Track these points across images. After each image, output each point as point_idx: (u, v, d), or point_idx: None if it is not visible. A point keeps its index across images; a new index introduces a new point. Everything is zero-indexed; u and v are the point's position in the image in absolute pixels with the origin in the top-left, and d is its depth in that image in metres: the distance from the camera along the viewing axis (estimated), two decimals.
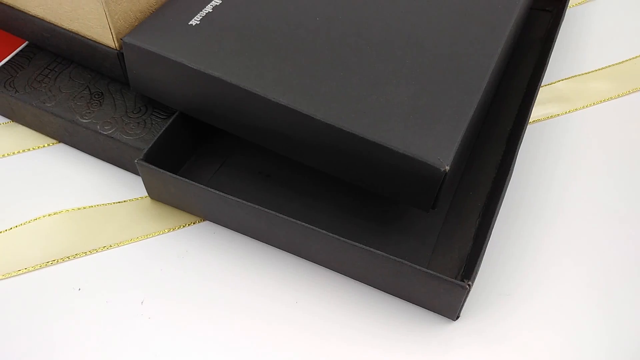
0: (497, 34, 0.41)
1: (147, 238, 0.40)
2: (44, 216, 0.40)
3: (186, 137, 0.42)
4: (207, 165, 0.43)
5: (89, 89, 0.44)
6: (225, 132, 0.42)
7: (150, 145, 0.39)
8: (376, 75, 0.38)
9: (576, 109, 0.48)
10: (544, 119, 0.47)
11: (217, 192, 0.37)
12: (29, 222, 0.40)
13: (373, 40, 0.40)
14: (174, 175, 0.38)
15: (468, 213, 0.41)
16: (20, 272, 0.38)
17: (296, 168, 0.42)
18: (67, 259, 0.39)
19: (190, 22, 0.40)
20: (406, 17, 0.41)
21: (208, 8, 0.41)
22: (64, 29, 0.42)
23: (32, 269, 0.38)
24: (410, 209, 0.41)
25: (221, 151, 0.44)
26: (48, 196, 0.42)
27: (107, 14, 0.39)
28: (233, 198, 0.37)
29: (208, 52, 0.38)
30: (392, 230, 0.40)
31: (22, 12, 0.43)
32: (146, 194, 0.42)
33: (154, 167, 0.38)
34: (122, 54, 0.41)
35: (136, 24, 0.41)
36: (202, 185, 0.37)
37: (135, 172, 0.43)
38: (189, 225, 0.40)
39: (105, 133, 0.41)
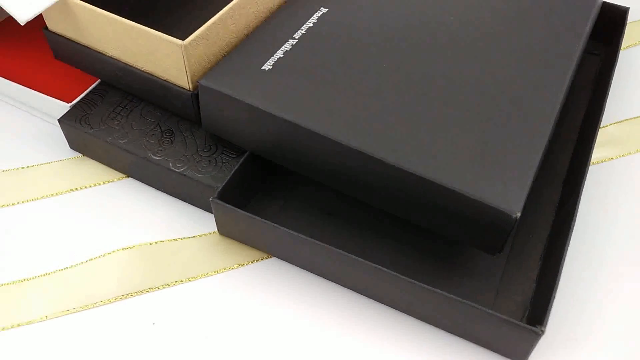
0: (559, 78, 0.43)
1: (217, 274, 0.41)
2: (117, 250, 0.42)
3: (253, 175, 0.44)
4: (271, 202, 0.44)
5: (160, 127, 0.45)
6: (289, 170, 0.44)
7: (224, 184, 0.40)
8: (443, 119, 0.39)
9: (630, 153, 0.48)
10: (598, 162, 0.48)
11: (290, 231, 0.38)
12: (104, 255, 0.42)
13: (439, 84, 0.41)
14: (248, 214, 0.39)
15: (529, 255, 0.42)
16: (97, 304, 0.39)
17: (358, 206, 0.44)
18: (140, 292, 0.40)
19: (263, 67, 0.41)
20: (470, 62, 0.43)
21: (279, 53, 0.42)
22: (139, 69, 0.44)
23: (108, 301, 0.39)
24: (471, 249, 0.42)
25: (285, 189, 0.45)
26: (120, 230, 0.43)
27: (184, 57, 0.40)
28: (303, 237, 0.38)
29: (281, 96, 0.40)
30: (453, 270, 0.41)
31: (99, 52, 0.45)
32: (215, 230, 0.43)
33: (228, 205, 0.39)
34: (196, 95, 0.43)
35: (209, 66, 0.43)
36: (274, 224, 0.38)
37: (203, 208, 0.44)
38: (257, 261, 0.42)
39: (177, 170, 0.43)
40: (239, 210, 0.39)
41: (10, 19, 0.57)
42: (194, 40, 0.40)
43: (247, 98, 0.40)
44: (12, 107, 0.52)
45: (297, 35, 0.44)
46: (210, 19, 0.42)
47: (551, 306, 0.35)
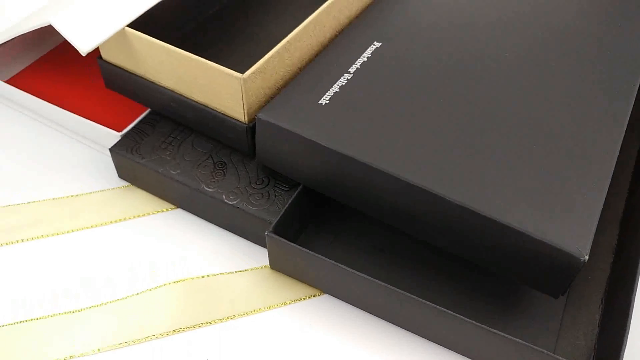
0: (620, 115, 0.42)
1: (269, 310, 0.40)
2: (169, 283, 0.41)
3: (306, 209, 0.43)
4: (321, 236, 0.44)
5: (212, 158, 0.45)
6: (340, 204, 0.43)
7: (279, 217, 0.40)
8: (504, 156, 0.39)
9: None
10: None
11: (347, 268, 0.37)
12: (155, 288, 0.41)
13: (499, 120, 0.41)
14: (305, 250, 0.38)
15: (589, 298, 0.40)
16: (149, 338, 0.39)
17: (411, 243, 0.43)
18: (193, 327, 0.39)
19: (320, 102, 0.41)
20: (529, 97, 0.42)
21: (335, 88, 0.42)
22: (194, 100, 0.44)
23: (160, 336, 0.39)
24: (529, 290, 0.41)
25: (336, 223, 0.45)
26: (171, 262, 0.43)
27: (243, 90, 0.40)
28: (361, 274, 0.37)
29: (338, 130, 0.40)
30: (511, 311, 0.40)
31: (154, 83, 0.45)
32: (266, 264, 0.43)
33: (283, 239, 0.39)
34: (251, 127, 0.43)
35: (264, 99, 0.43)
36: (332, 261, 0.38)
37: (254, 241, 0.44)
38: (309, 298, 0.41)
39: (230, 203, 0.42)
40: (295, 245, 0.39)
41: (60, 47, 0.58)
42: (252, 73, 0.40)
43: (305, 132, 0.40)
44: (61, 134, 0.52)
45: (352, 69, 0.44)
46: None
47: (623, 353, 0.33)
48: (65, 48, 0.57)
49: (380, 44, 0.46)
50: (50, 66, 0.56)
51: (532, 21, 0.49)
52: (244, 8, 0.57)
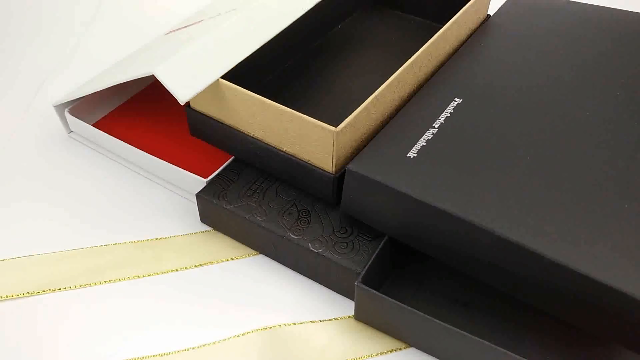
0: None
1: None
2: (252, 331, 0.42)
3: (389, 259, 0.44)
4: (403, 287, 0.44)
5: (296, 206, 0.46)
6: (423, 255, 0.44)
7: (366, 267, 0.41)
8: (596, 213, 0.39)
9: None
10: None
11: (439, 321, 0.38)
12: (238, 336, 0.42)
13: (590, 176, 0.41)
14: (395, 302, 0.39)
15: None
16: None
17: (496, 297, 0.43)
18: None
19: (408, 155, 0.42)
20: (615, 155, 0.43)
21: (422, 142, 0.43)
22: (282, 150, 0.46)
23: None
24: (621, 348, 0.40)
25: (417, 274, 0.45)
26: (253, 309, 0.44)
27: (334, 143, 0.42)
28: (454, 329, 0.37)
29: (428, 183, 0.40)
30: None
31: (241, 132, 0.47)
32: (349, 314, 0.43)
33: (373, 290, 0.39)
34: (338, 178, 0.44)
35: (351, 151, 0.45)
36: (424, 314, 0.38)
37: (336, 290, 0.44)
38: (395, 350, 0.41)
39: (316, 251, 0.43)
40: (385, 297, 0.39)
41: (142, 92, 0.60)
42: (344, 127, 0.42)
43: (395, 184, 0.40)
44: (141, 177, 0.54)
45: (437, 124, 0.45)
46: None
47: None
48: (147, 94, 0.60)
49: (461, 100, 0.48)
50: (133, 111, 0.58)
51: (610, 77, 0.50)
52: (316, 62, 0.59)
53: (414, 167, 0.42)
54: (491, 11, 0.61)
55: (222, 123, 0.48)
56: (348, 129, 0.43)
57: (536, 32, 0.56)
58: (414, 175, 0.41)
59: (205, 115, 0.49)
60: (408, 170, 0.42)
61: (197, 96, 0.48)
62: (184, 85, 0.44)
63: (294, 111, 0.43)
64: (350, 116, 0.43)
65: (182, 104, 0.43)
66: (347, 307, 0.44)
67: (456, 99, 0.48)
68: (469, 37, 0.58)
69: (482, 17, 0.60)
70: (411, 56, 0.48)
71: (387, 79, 0.46)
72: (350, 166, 0.42)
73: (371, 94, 0.44)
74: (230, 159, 0.50)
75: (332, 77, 0.58)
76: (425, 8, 0.65)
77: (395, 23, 0.65)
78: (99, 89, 0.51)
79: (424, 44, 0.49)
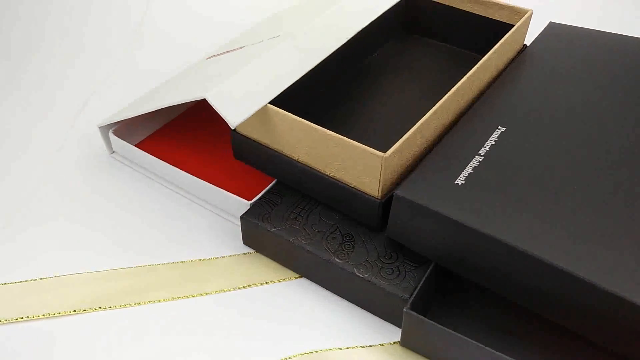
0: None
1: None
2: (296, 355, 0.42)
3: (435, 285, 0.44)
4: (448, 313, 0.44)
5: (339, 230, 0.47)
6: (466, 280, 0.44)
7: (415, 294, 0.41)
8: None
9: None
10: None
11: (490, 349, 0.37)
12: None
13: (637, 204, 0.41)
14: (446, 329, 0.39)
15: None
16: None
17: (543, 325, 0.43)
18: None
19: (456, 182, 0.43)
20: None
21: (469, 169, 0.44)
22: (327, 175, 0.46)
23: None
24: None
25: (461, 300, 0.45)
26: (297, 333, 0.44)
27: (382, 168, 0.42)
28: (506, 357, 0.37)
29: (477, 210, 0.41)
30: None
31: (286, 156, 0.48)
32: (394, 340, 0.43)
33: (422, 317, 0.39)
34: (384, 203, 0.44)
35: (396, 177, 0.45)
36: (477, 343, 0.38)
37: (380, 315, 0.44)
38: None
39: (362, 276, 0.43)
40: (435, 324, 0.39)
41: (185, 114, 0.61)
42: (393, 153, 0.42)
43: (444, 210, 0.41)
44: (183, 198, 0.54)
45: (482, 152, 0.45)
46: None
47: None
48: (189, 115, 0.61)
49: (505, 128, 0.48)
50: (176, 132, 0.59)
51: None
52: (352, 88, 0.60)
53: (463, 194, 0.42)
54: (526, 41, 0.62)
55: (266, 147, 0.49)
56: (396, 155, 0.43)
57: (573, 61, 0.57)
58: (463, 202, 0.41)
59: (250, 139, 0.50)
60: (457, 197, 0.42)
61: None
62: (235, 110, 0.45)
63: (341, 136, 0.43)
64: (399, 142, 0.43)
65: (233, 128, 0.44)
66: (392, 332, 0.44)
67: (499, 127, 0.48)
68: (506, 66, 0.59)
69: (519, 46, 0.61)
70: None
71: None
72: (398, 192, 0.42)
73: (409, 119, 0.45)
74: (272, 182, 0.51)
75: (368, 103, 0.58)
76: (457, 36, 0.66)
77: (427, 51, 0.66)
78: (148, 111, 0.52)
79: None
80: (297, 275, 0.48)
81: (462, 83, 0.50)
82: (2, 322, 0.44)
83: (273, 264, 0.49)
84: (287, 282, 0.47)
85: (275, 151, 0.49)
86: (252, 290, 0.47)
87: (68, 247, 0.50)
